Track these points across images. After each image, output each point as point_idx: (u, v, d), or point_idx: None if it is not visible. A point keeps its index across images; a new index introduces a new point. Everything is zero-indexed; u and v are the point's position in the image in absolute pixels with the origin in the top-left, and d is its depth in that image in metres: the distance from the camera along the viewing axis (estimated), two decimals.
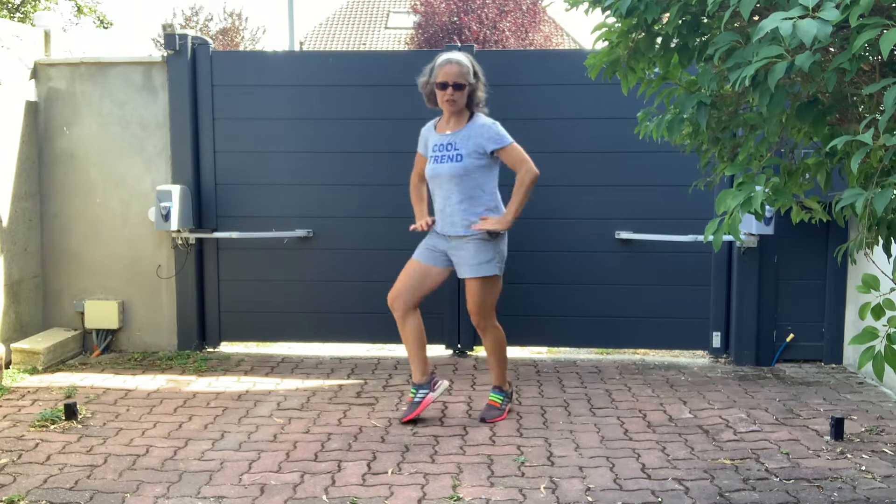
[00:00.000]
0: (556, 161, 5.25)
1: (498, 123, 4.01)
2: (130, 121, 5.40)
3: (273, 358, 5.36)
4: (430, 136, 4.11)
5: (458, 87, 3.91)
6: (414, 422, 4.04)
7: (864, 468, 3.46)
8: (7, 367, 4.94)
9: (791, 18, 1.80)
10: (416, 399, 4.04)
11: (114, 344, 5.54)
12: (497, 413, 4.09)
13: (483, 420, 4.04)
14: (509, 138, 3.97)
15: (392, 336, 5.37)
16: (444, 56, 3.99)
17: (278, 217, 5.41)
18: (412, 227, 4.19)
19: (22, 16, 15.24)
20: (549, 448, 3.70)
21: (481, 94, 4.02)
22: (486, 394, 4.38)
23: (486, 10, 20.13)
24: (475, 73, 3.98)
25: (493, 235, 3.95)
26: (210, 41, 5.54)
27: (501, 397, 4.15)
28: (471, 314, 4.04)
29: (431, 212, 4.19)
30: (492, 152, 3.96)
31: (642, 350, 5.54)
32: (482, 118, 4.02)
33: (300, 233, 5.37)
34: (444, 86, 3.92)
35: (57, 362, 5.19)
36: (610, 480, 3.33)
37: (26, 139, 5.32)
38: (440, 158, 3.99)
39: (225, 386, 4.72)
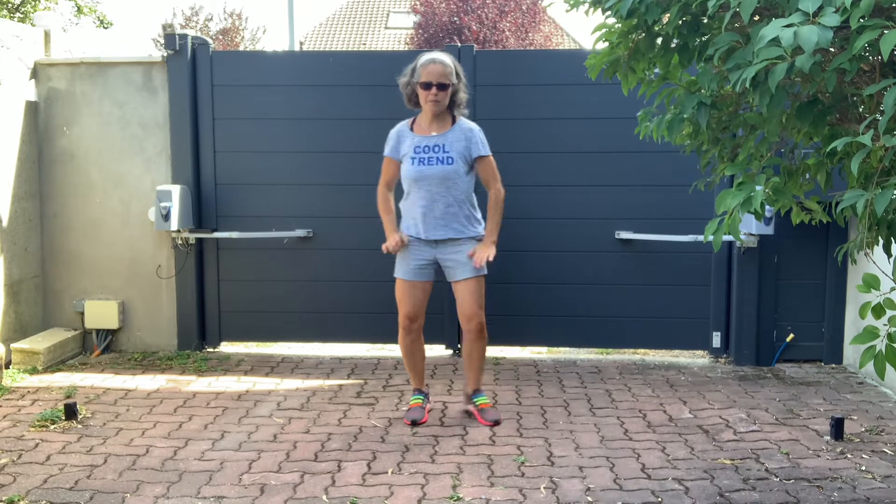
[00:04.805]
0: (556, 161, 5.26)
1: (481, 130, 4.00)
2: (130, 121, 5.40)
3: (273, 358, 5.36)
4: (406, 136, 3.97)
5: (441, 87, 3.83)
6: (414, 422, 4.05)
7: (864, 468, 3.46)
8: (7, 367, 4.94)
9: (792, 25, 1.80)
10: (424, 404, 4.15)
11: (114, 344, 5.54)
12: (497, 412, 4.11)
13: (497, 422, 3.98)
14: (489, 149, 3.98)
15: (392, 336, 5.37)
16: (427, 56, 3.92)
17: (278, 217, 5.41)
18: (385, 247, 3.97)
19: (22, 16, 15.23)
20: (549, 448, 3.70)
21: (463, 95, 3.95)
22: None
23: (486, 10, 20.12)
24: (457, 74, 3.92)
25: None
26: (210, 41, 5.54)
27: (487, 397, 4.18)
28: (471, 317, 3.94)
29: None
30: (474, 159, 3.93)
31: (642, 350, 5.54)
32: (467, 122, 3.99)
33: (300, 233, 5.37)
34: (428, 85, 3.83)
35: (57, 362, 5.18)
36: (610, 480, 3.33)
37: (26, 139, 5.32)
38: (427, 160, 3.87)
39: (225, 386, 4.72)
